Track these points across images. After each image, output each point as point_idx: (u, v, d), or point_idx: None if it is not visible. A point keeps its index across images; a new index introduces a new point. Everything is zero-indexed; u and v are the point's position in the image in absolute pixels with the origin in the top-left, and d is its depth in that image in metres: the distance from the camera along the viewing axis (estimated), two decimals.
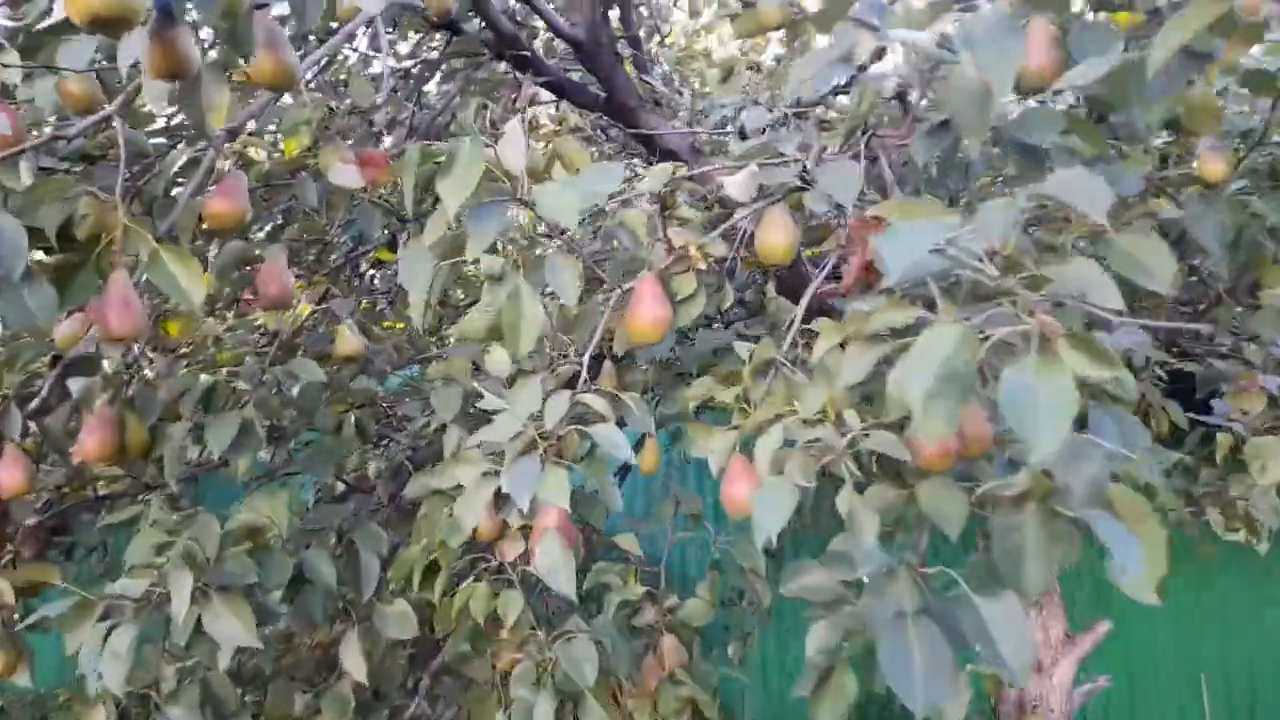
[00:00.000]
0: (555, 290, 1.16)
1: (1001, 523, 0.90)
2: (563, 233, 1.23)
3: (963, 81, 1.05)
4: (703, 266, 1.28)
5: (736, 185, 1.39)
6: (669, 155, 2.51)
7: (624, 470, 2.59)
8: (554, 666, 1.65)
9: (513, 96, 1.97)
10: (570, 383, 1.55)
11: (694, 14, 4.44)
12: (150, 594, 1.54)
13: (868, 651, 1.05)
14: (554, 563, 1.08)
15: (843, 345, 1.12)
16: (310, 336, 2.13)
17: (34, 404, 1.56)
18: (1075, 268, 0.83)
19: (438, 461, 2.31)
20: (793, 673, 4.56)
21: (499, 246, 1.40)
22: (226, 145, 1.77)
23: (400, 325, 3.05)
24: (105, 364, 1.61)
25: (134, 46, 1.13)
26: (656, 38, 4.02)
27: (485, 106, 1.80)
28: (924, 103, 1.45)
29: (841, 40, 1.15)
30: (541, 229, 1.26)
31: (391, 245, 2.55)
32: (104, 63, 1.67)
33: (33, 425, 1.60)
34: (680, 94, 2.87)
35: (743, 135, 2.05)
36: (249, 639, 1.54)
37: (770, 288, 2.20)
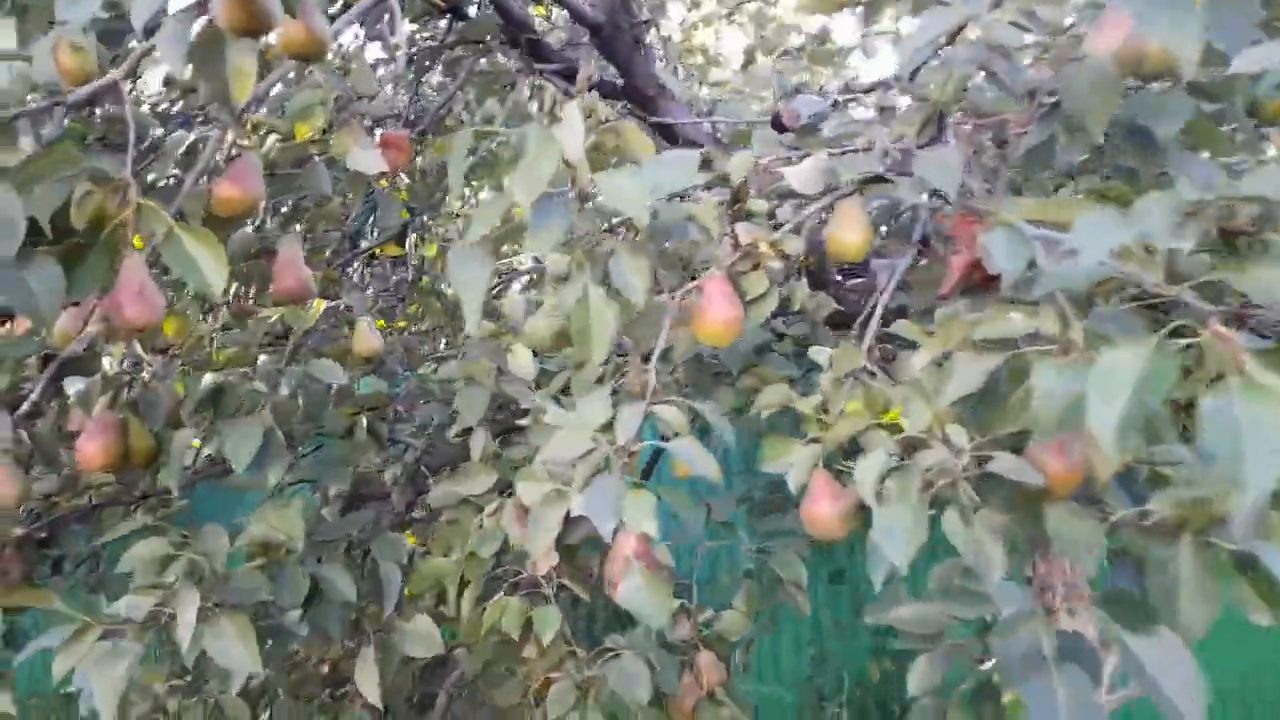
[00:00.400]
0: (623, 290, 1.05)
1: (1152, 555, 0.81)
2: (625, 226, 1.12)
3: (1089, 61, 0.95)
4: (776, 264, 1.18)
5: (801, 176, 1.29)
6: (691, 146, 2.40)
7: (645, 473, 2.49)
8: (596, 686, 1.55)
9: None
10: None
11: (693, 6, 4.34)
12: (158, 614, 1.42)
13: (980, 692, 0.96)
14: (641, 596, 0.97)
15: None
16: (314, 335, 2.00)
17: (24, 407, 1.42)
18: (1264, 274, 0.74)
19: (454, 466, 2.19)
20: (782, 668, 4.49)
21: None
22: (233, 128, 1.64)
23: (401, 324, 2.92)
24: (105, 363, 1.47)
25: (149, 2, 1.00)
26: (654, 30, 3.92)
27: (540, 87, 1.68)
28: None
29: (940, 17, 1.05)
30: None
31: (399, 239, 2.43)
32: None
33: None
34: (700, 84, 2.76)
35: (778, 126, 1.95)
36: (254, 665, 1.41)
37: (803, 283, 2.10)
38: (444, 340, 3.06)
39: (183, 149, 1.51)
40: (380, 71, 2.92)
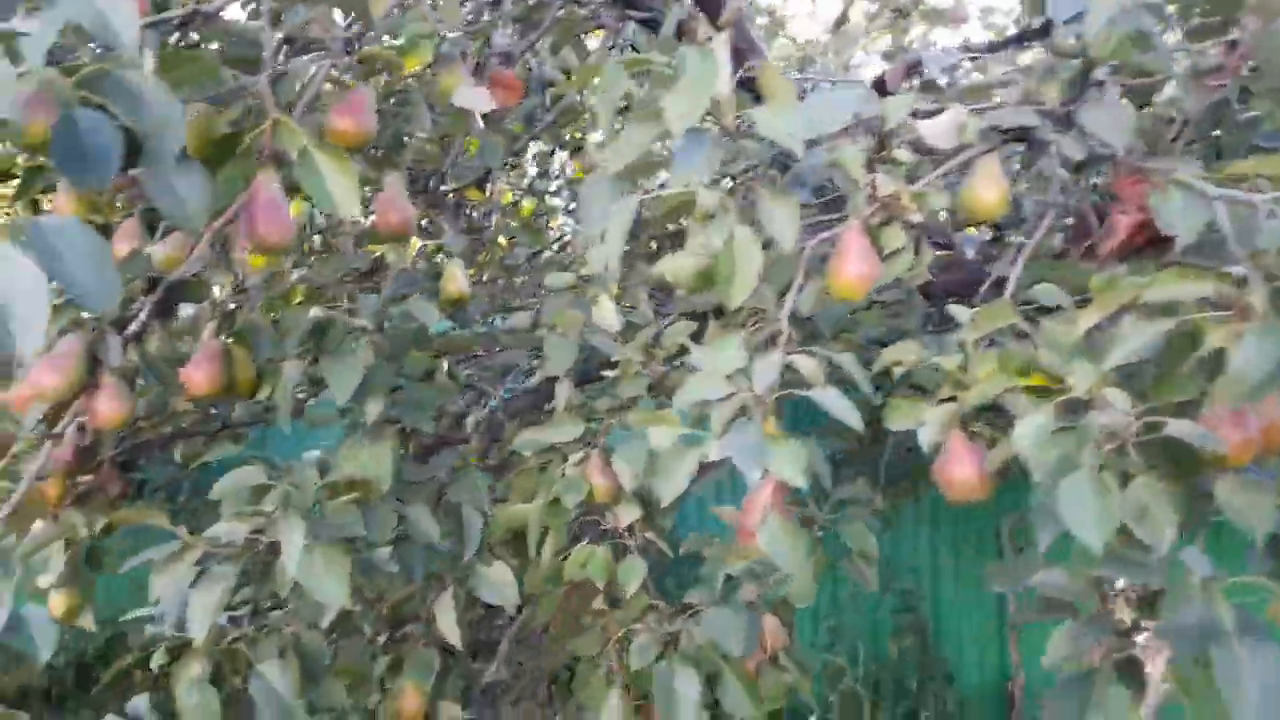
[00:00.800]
0: (771, 233, 1.02)
1: None
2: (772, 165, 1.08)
3: None
4: (918, 218, 1.14)
5: (938, 130, 1.24)
6: None
7: None
8: (679, 641, 1.54)
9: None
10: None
11: None
12: (255, 541, 1.43)
13: (1129, 666, 0.93)
14: (779, 544, 0.95)
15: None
16: (404, 276, 1.99)
17: (132, 327, 1.42)
18: None
19: (524, 415, 2.19)
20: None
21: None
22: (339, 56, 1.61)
23: (471, 271, 2.90)
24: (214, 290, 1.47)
25: None
26: None
27: (690, 23, 1.63)
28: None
29: None
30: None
31: (480, 184, 2.40)
32: None
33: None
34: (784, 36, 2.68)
35: (880, 88, 1.89)
36: (344, 599, 1.42)
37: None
38: (492, 294, 3.05)
39: (309, 75, 1.48)
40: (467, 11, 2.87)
